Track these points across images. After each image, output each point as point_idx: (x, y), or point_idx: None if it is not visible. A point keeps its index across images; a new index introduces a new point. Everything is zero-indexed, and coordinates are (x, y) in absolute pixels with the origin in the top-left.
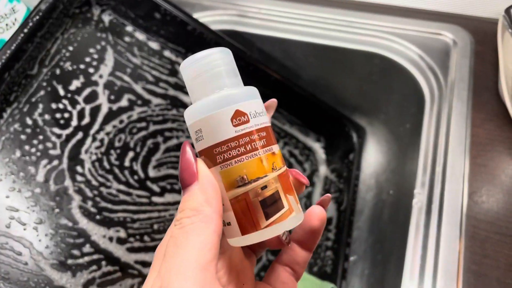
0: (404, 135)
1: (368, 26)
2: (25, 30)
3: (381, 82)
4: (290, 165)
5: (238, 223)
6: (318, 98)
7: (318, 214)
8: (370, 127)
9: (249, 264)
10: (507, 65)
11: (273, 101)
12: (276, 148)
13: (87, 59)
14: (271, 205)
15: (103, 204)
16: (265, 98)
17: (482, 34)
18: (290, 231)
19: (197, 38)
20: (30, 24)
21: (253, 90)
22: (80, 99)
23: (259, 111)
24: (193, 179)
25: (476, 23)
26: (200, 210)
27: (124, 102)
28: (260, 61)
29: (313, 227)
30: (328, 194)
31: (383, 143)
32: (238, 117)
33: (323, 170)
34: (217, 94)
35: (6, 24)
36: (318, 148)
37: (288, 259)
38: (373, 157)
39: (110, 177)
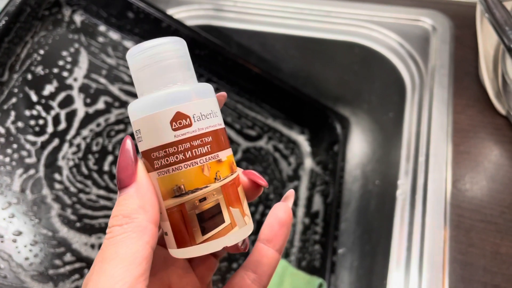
0: (388, 124)
1: (346, 15)
2: None
3: (362, 71)
4: (275, 160)
5: (174, 235)
6: (300, 91)
7: (283, 207)
8: (354, 117)
9: (193, 275)
10: (487, 49)
11: (221, 95)
12: (224, 154)
13: (60, 63)
14: (210, 219)
15: (83, 211)
16: (246, 93)
17: (461, 18)
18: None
19: (173, 35)
20: None
21: (205, 88)
22: (54, 104)
23: (206, 112)
24: (131, 180)
25: (455, 7)
26: (134, 217)
27: (100, 105)
28: (239, 56)
29: (280, 220)
30: (292, 190)
31: (367, 132)
32: (179, 120)
33: (308, 163)
34: (160, 91)
35: None
36: (302, 141)
37: (252, 261)
38: (358, 148)
39: (89, 182)
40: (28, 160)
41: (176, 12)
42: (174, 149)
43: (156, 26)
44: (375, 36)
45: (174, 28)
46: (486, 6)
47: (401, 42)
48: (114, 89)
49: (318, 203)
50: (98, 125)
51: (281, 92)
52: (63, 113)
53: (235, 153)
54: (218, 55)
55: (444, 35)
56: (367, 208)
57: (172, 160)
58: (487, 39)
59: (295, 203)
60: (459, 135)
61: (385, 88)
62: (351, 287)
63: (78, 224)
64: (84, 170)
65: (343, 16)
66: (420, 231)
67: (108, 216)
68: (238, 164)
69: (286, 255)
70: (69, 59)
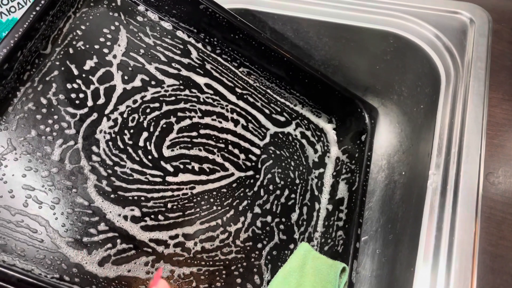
0: (418, 115)
1: (383, 4)
2: (37, 8)
3: (395, 61)
4: (301, 146)
5: None
6: (330, 79)
7: None
8: (383, 107)
9: None
10: None
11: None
12: None
13: (101, 39)
14: None
15: (118, 183)
16: (277, 78)
17: (500, 12)
18: None
19: (209, 17)
20: (42, 2)
21: None
22: (94, 79)
23: None
24: None
25: (493, 1)
26: None
27: (137, 83)
28: (272, 41)
29: None
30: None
31: (395, 124)
32: None
33: (334, 151)
34: None
35: (18, 3)
36: (330, 129)
37: None
38: (384, 138)
39: (124, 156)
40: (67, 131)
41: None
42: None
43: (194, 7)
44: (411, 26)
45: (211, 10)
46: None
47: (437, 33)
48: (151, 68)
49: (342, 191)
50: (135, 101)
51: (311, 79)
52: (102, 88)
53: (263, 137)
54: (252, 39)
55: (482, 28)
56: (392, 198)
57: None
58: None
59: (320, 190)
60: (494, 128)
61: (417, 79)
62: (372, 274)
63: (112, 196)
64: (120, 144)
65: (379, 5)
66: (450, 221)
67: (141, 190)
68: (266, 148)
69: (309, 239)
70: (109, 36)
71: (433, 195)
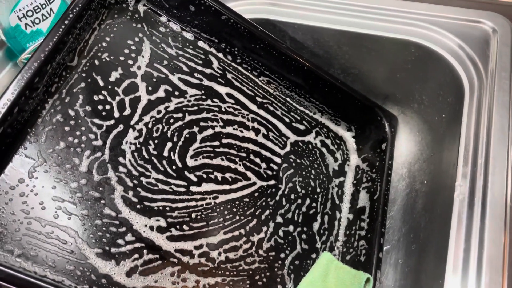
0: (440, 125)
1: (404, 13)
2: (66, 22)
3: (415, 70)
4: (321, 155)
5: None
6: (350, 87)
7: None
8: (403, 116)
9: None
10: None
11: None
12: None
13: (125, 50)
14: None
15: (143, 193)
16: (296, 87)
17: None
18: None
19: (231, 27)
20: (71, 15)
21: None
22: (119, 90)
23: None
24: None
25: None
26: None
27: (161, 93)
28: (293, 50)
29: None
30: None
31: (415, 132)
32: None
33: (354, 159)
34: None
35: (42, 15)
36: (349, 137)
37: None
38: (404, 147)
39: (149, 166)
40: (95, 143)
41: (235, 6)
42: None
43: (216, 18)
44: (433, 36)
45: (233, 21)
46: None
47: (460, 43)
48: (174, 78)
49: (364, 200)
50: (159, 112)
51: (330, 87)
52: (127, 99)
53: (283, 146)
54: (272, 49)
55: (505, 37)
56: (413, 207)
57: None
58: None
59: (340, 199)
60: None
61: (439, 88)
62: (396, 284)
63: (138, 206)
64: (145, 154)
65: (400, 14)
66: (479, 233)
67: (166, 200)
68: (287, 157)
69: (330, 249)
70: (133, 47)
71: (461, 207)
